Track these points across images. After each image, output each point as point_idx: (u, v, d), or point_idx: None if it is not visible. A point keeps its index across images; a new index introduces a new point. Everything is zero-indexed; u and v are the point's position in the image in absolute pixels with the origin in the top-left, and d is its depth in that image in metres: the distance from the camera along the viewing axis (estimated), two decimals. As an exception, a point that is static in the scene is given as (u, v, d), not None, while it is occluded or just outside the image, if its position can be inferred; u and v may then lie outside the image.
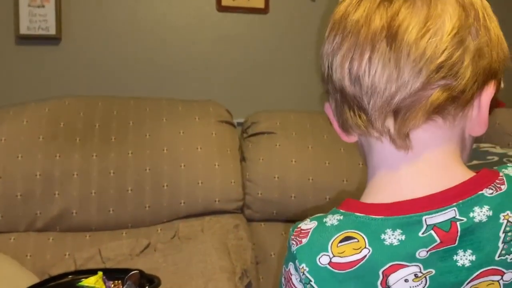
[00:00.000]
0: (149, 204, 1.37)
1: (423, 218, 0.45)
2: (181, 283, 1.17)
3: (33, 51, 1.65)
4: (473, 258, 0.45)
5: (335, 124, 0.53)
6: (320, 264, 0.47)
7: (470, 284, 0.45)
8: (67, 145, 1.37)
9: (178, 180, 1.39)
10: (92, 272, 1.07)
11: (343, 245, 0.46)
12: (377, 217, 0.47)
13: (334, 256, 0.46)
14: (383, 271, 0.45)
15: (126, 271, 1.06)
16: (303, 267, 0.47)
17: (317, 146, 1.48)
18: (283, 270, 0.52)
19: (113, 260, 1.26)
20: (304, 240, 0.48)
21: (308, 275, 0.47)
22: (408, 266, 0.45)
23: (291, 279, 0.50)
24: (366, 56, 0.46)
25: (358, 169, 1.45)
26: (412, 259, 0.45)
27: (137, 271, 1.05)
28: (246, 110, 1.63)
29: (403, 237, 0.45)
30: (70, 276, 1.09)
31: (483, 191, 0.46)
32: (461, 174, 0.48)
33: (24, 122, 1.38)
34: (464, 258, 0.45)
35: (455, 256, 0.45)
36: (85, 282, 1.03)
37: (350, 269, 0.46)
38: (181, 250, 1.25)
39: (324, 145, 1.48)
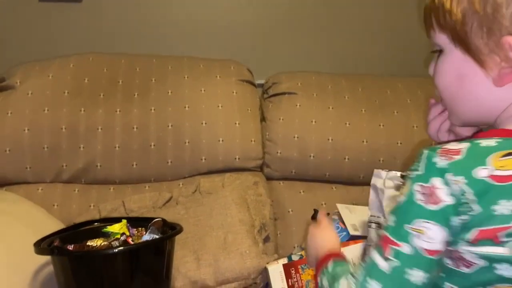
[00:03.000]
0: (171, 160, 1.40)
1: None
2: (202, 234, 1.21)
3: (56, 9, 1.66)
4: None
5: None
6: (477, 177, 0.50)
7: None
8: (91, 100, 1.40)
9: (199, 137, 1.41)
10: (117, 220, 1.11)
11: (505, 159, 0.50)
12: None
13: (495, 169, 0.50)
14: None
15: (149, 220, 1.09)
16: (461, 179, 0.51)
17: (338, 107, 1.47)
18: (418, 187, 0.53)
19: (136, 211, 1.30)
20: (458, 156, 0.52)
21: (465, 186, 0.50)
22: None
23: (434, 192, 0.52)
24: None
25: (378, 130, 1.45)
26: None
27: (160, 219, 1.08)
28: (267, 72, 1.62)
29: None
30: (95, 223, 1.13)
31: None
32: None
33: (50, 77, 1.41)
34: None
35: None
36: (110, 228, 1.07)
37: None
38: (202, 203, 1.29)
39: (345, 106, 1.48)
